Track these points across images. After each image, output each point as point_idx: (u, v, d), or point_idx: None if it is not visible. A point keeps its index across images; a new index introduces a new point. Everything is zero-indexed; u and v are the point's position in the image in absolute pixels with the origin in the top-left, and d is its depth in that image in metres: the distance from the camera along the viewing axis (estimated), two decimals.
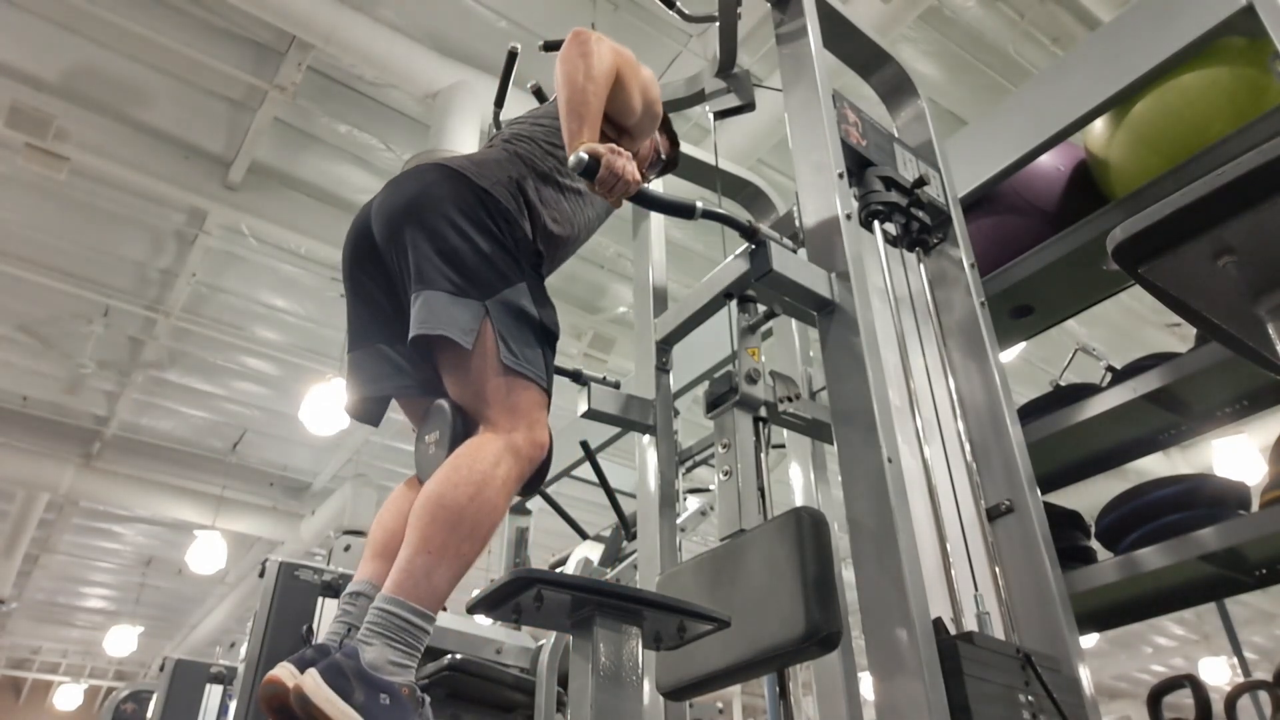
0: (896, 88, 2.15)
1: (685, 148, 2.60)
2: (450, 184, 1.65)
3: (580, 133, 1.59)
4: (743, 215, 1.68)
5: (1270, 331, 0.93)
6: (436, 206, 1.61)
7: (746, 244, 1.58)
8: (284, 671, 1.29)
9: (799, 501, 2.28)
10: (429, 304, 1.53)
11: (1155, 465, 5.92)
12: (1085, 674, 1.41)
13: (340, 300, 6.03)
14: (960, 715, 1.16)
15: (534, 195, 1.74)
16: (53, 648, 11.96)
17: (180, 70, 4.63)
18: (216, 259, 5.78)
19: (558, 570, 3.00)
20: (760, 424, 1.71)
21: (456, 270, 1.56)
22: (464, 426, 1.57)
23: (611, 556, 2.99)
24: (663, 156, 2.15)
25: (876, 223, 1.76)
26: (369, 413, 1.77)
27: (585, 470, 3.10)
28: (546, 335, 1.65)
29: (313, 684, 1.21)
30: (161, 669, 4.22)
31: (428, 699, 1.32)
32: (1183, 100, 1.95)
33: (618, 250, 5.66)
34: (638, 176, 1.53)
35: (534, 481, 1.61)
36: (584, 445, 2.89)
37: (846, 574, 1.41)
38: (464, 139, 4.18)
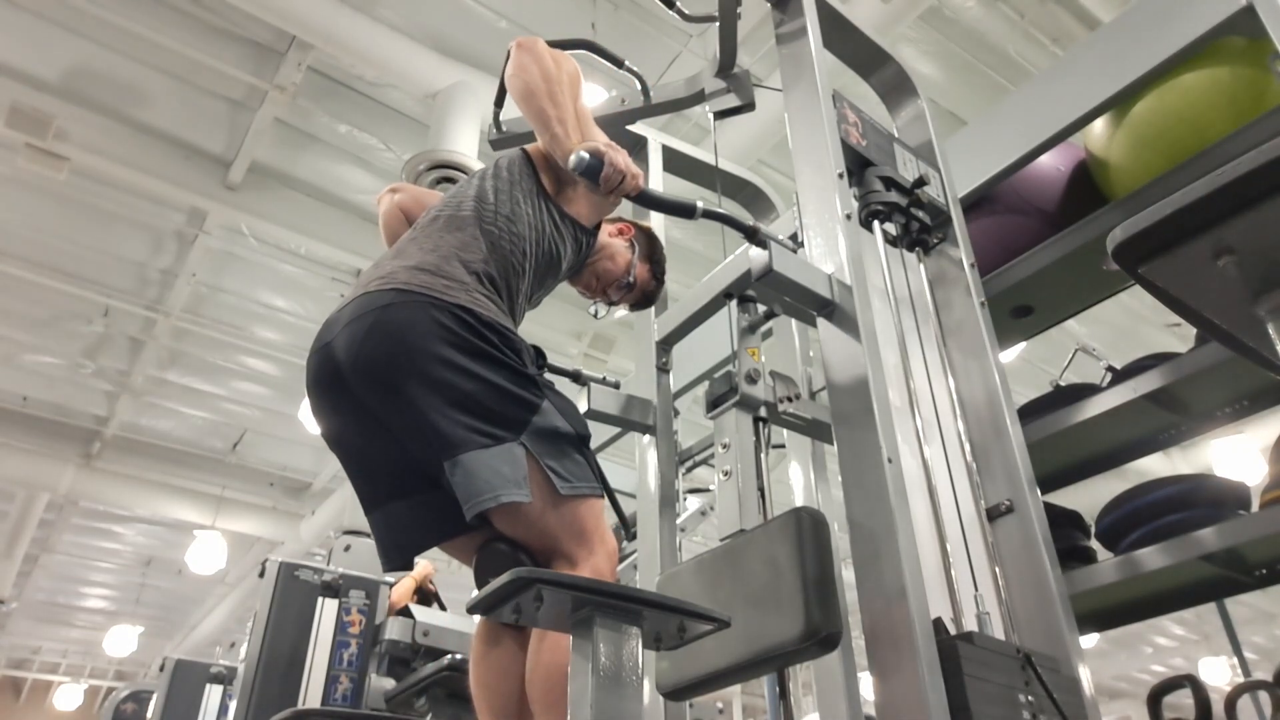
0: (896, 88, 2.15)
1: (685, 148, 2.60)
2: (424, 315, 1.45)
3: (568, 135, 1.53)
4: (743, 215, 1.68)
5: (1270, 331, 0.93)
6: (425, 350, 1.43)
7: (746, 244, 1.58)
8: None
9: (799, 501, 2.28)
10: (471, 470, 1.38)
11: (1155, 465, 5.92)
12: (1085, 674, 1.41)
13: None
14: (960, 715, 1.16)
15: (500, 278, 1.58)
16: (53, 648, 11.96)
17: (180, 70, 4.64)
18: (216, 259, 5.78)
19: None
20: (760, 424, 1.71)
21: (479, 417, 1.42)
22: (532, 564, 1.48)
23: None
24: (632, 280, 1.94)
25: (876, 223, 1.76)
26: (407, 566, 1.63)
27: None
28: (581, 441, 1.56)
29: None
30: (161, 669, 4.23)
31: None
32: (1183, 100, 1.95)
33: None
34: (639, 172, 1.51)
35: None
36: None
37: (846, 574, 1.41)
38: (464, 139, 4.18)
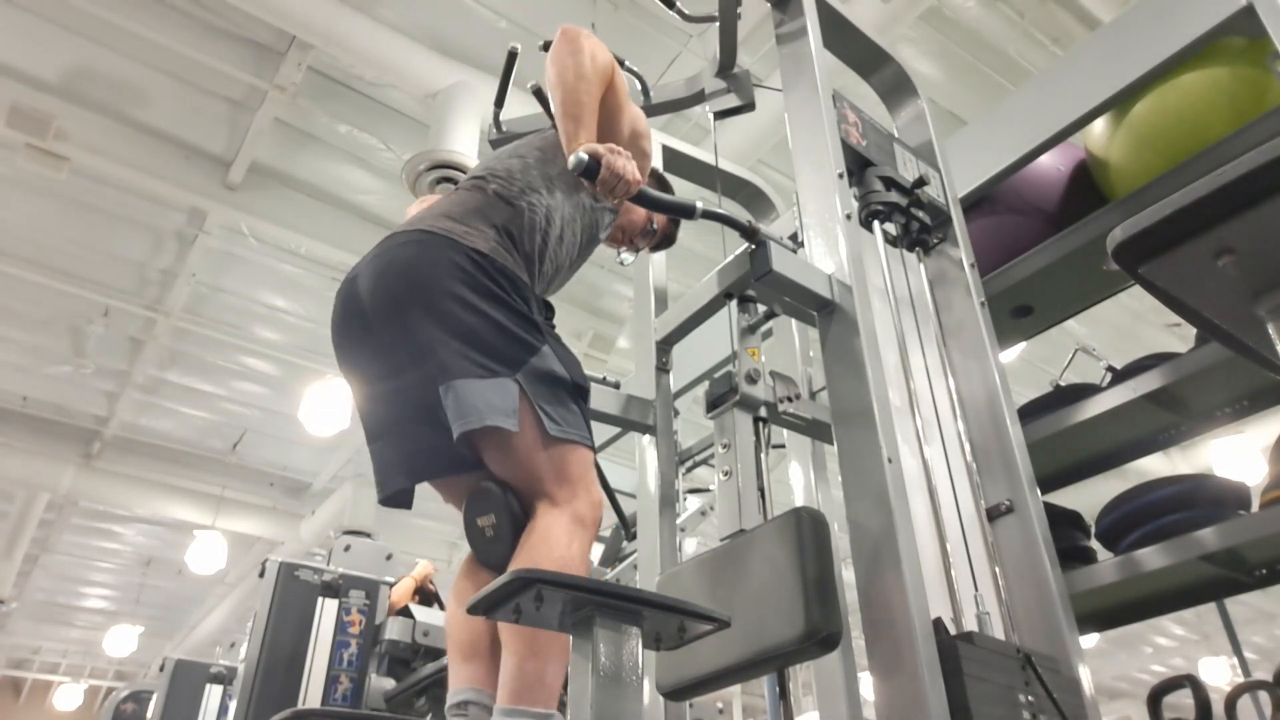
0: (896, 88, 2.15)
1: (685, 148, 2.60)
2: (443, 254, 1.55)
3: (577, 134, 1.56)
4: (743, 215, 1.68)
5: (1270, 331, 0.93)
6: (437, 284, 1.52)
7: (746, 244, 1.58)
8: None
9: (799, 501, 2.28)
10: (461, 394, 1.46)
11: (1155, 465, 5.92)
12: (1085, 674, 1.41)
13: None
14: (960, 715, 1.16)
15: (524, 237, 1.66)
16: (53, 648, 11.96)
17: (180, 70, 4.63)
18: (216, 259, 5.78)
19: None
20: (760, 424, 1.71)
21: (479, 350, 1.49)
22: (520, 506, 1.53)
23: (611, 556, 2.99)
24: (654, 226, 2.07)
25: (876, 223, 1.76)
26: (402, 501, 1.71)
27: None
28: (578, 390, 1.60)
29: None
30: (161, 669, 4.23)
31: None
32: (1183, 100, 1.95)
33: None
34: (638, 176, 1.52)
35: None
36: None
37: (846, 574, 1.41)
38: (464, 139, 4.18)
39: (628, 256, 2.12)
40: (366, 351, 1.65)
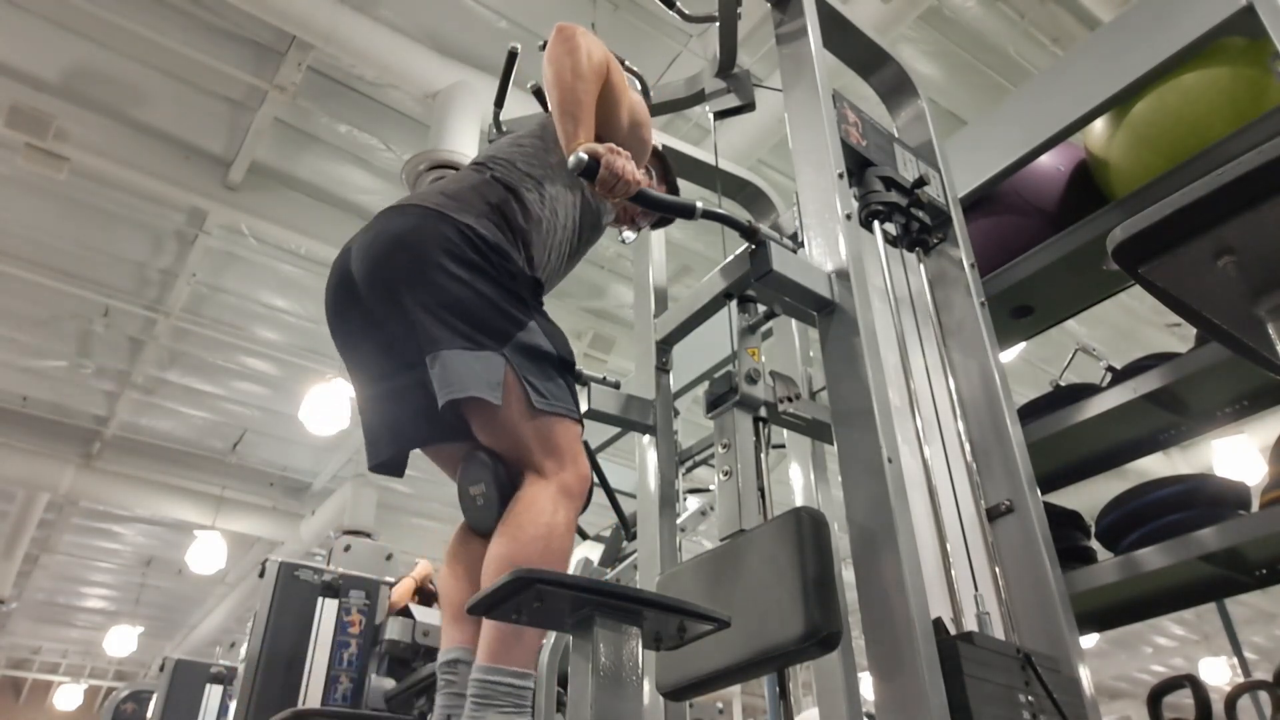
0: (896, 88, 2.15)
1: (685, 148, 2.60)
2: (432, 226, 1.57)
3: (576, 133, 1.57)
4: (743, 215, 1.68)
5: (1270, 331, 0.93)
6: (425, 255, 1.54)
7: (746, 244, 1.58)
8: None
9: (799, 501, 2.28)
10: (448, 365, 1.49)
11: (1155, 465, 5.92)
12: (1085, 674, 1.41)
13: None
14: (960, 715, 1.16)
15: (519, 219, 1.69)
16: (53, 648, 11.96)
17: (180, 70, 4.64)
18: (216, 259, 5.78)
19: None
20: (760, 424, 1.70)
21: (465, 321, 1.51)
22: (508, 475, 1.57)
23: (611, 556, 2.99)
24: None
25: (876, 223, 1.76)
26: (393, 467, 1.73)
27: None
28: (565, 365, 1.63)
29: None
30: (161, 669, 4.23)
31: None
32: (1183, 100, 1.95)
33: (618, 250, 5.66)
34: (638, 175, 1.52)
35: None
36: (584, 445, 2.89)
37: (846, 574, 1.41)
38: (464, 139, 4.18)
39: (629, 234, 2.14)
40: (357, 322, 1.68)
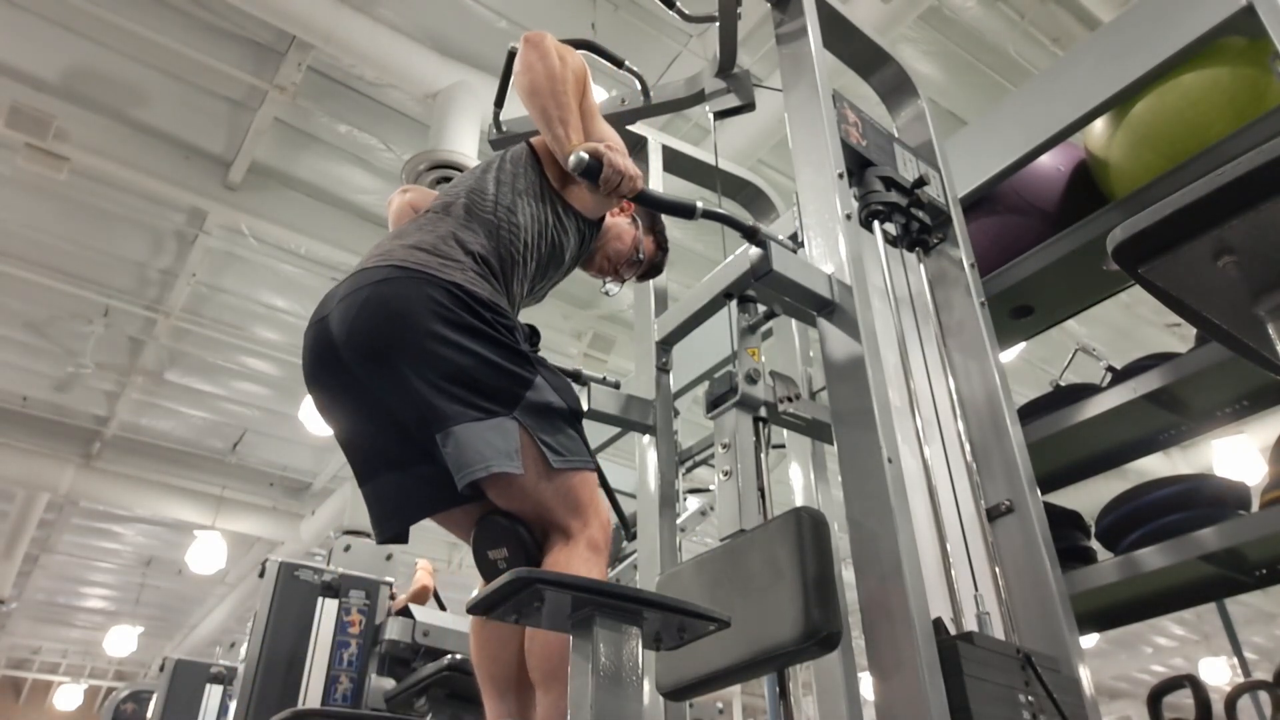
0: (896, 88, 2.15)
1: (685, 148, 2.60)
2: (420, 291, 1.47)
3: (568, 136, 1.55)
4: (743, 215, 1.67)
5: (1270, 331, 0.93)
6: (418, 324, 1.45)
7: (746, 244, 1.58)
8: None
9: (799, 501, 2.28)
10: (462, 442, 1.41)
11: (1155, 465, 5.92)
12: (1085, 674, 1.41)
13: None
14: (960, 715, 1.16)
15: (500, 262, 1.61)
16: (53, 648, 11.96)
17: (180, 70, 4.63)
18: (216, 259, 5.78)
19: None
20: (760, 424, 1.71)
21: (472, 391, 1.44)
22: (529, 535, 1.51)
23: (611, 556, 2.99)
24: (641, 256, 2.00)
25: (876, 223, 1.76)
26: (400, 536, 1.65)
27: None
28: (574, 417, 1.58)
29: None
30: (161, 669, 4.22)
31: None
32: (1183, 100, 1.95)
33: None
34: (639, 173, 1.52)
35: None
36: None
37: (846, 574, 1.41)
38: (464, 139, 4.18)
39: (613, 288, 2.03)
40: (346, 394, 1.57)
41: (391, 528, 1.60)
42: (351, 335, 1.50)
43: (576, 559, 1.47)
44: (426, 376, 1.44)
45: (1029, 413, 2.10)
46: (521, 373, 1.50)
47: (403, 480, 1.58)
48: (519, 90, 1.64)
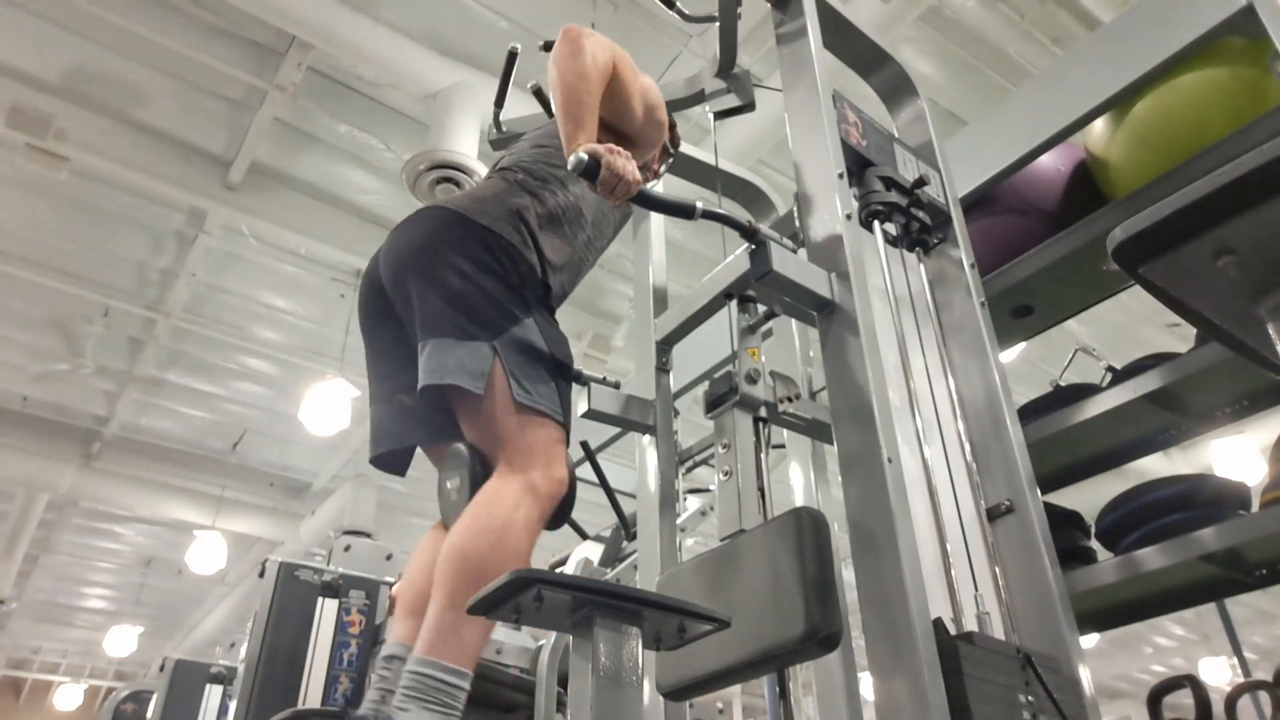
0: (896, 88, 2.15)
1: (685, 148, 2.60)
2: (450, 227, 1.63)
3: (577, 134, 1.58)
4: (743, 215, 1.68)
5: (1270, 331, 0.93)
6: (438, 252, 1.60)
7: (746, 244, 1.58)
8: None
9: (799, 501, 2.28)
10: (436, 352, 1.52)
11: (1155, 465, 5.92)
12: (1085, 674, 1.41)
13: (340, 300, 6.06)
14: (960, 715, 1.16)
15: (536, 223, 1.72)
16: (53, 648, 11.96)
17: (180, 70, 4.63)
18: (216, 259, 5.78)
19: (558, 570, 3.01)
20: (760, 424, 1.70)
21: (463, 314, 1.54)
22: (483, 469, 1.55)
23: (611, 556, 2.99)
24: (669, 150, 2.15)
25: (876, 223, 1.76)
26: (395, 464, 1.74)
27: (585, 470, 3.09)
28: (560, 369, 1.63)
29: None
30: (161, 669, 4.22)
31: None
32: (1183, 100, 1.95)
33: (618, 250, 5.66)
34: (638, 176, 1.52)
35: (559, 517, 1.61)
36: (584, 445, 2.89)
37: (846, 574, 1.41)
38: (464, 139, 4.18)
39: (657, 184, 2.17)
40: (380, 320, 1.74)
41: (380, 446, 1.72)
42: (387, 262, 1.68)
43: (509, 491, 1.47)
44: (428, 296, 1.57)
45: (1029, 413, 2.10)
46: (514, 310, 1.59)
47: (403, 407, 1.71)
48: (549, 79, 1.70)
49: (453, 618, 1.35)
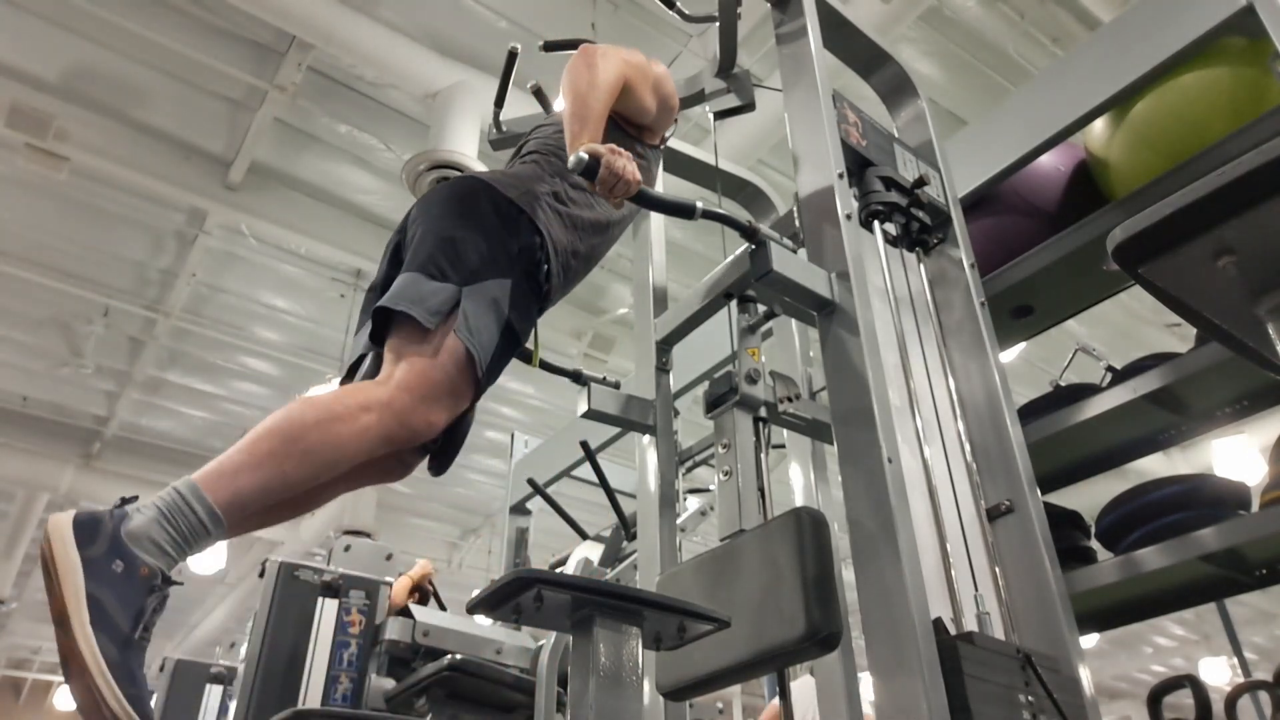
0: (896, 88, 2.15)
1: (685, 148, 2.60)
2: (471, 193, 1.72)
3: (581, 134, 1.60)
4: (743, 215, 1.68)
5: (1270, 331, 0.93)
6: (450, 209, 1.69)
7: (746, 244, 1.58)
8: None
9: (799, 501, 2.28)
10: (407, 283, 1.57)
11: (1155, 465, 5.92)
12: (1085, 674, 1.41)
13: (340, 300, 6.05)
14: (960, 715, 1.16)
15: (557, 204, 1.81)
16: (53, 648, 11.83)
17: (180, 70, 4.63)
18: (216, 259, 5.78)
19: (558, 570, 3.01)
20: (760, 424, 1.70)
21: (448, 260, 1.60)
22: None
23: (611, 556, 2.99)
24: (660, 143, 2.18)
25: (876, 223, 1.76)
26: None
27: (585, 470, 3.10)
28: (509, 335, 1.62)
29: (60, 520, 1.19)
30: (161, 669, 4.22)
31: (166, 595, 1.29)
32: (1183, 100, 1.95)
33: (618, 250, 5.65)
34: (638, 176, 1.53)
35: (439, 461, 1.65)
36: (584, 445, 2.89)
37: (846, 574, 1.41)
38: (464, 139, 4.18)
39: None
40: (392, 268, 1.78)
41: (353, 352, 1.75)
42: (410, 212, 1.78)
43: (366, 393, 1.45)
44: (425, 237, 1.65)
45: (1029, 413, 2.10)
46: (498, 268, 1.63)
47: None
48: (562, 88, 1.76)
49: (239, 460, 1.32)
